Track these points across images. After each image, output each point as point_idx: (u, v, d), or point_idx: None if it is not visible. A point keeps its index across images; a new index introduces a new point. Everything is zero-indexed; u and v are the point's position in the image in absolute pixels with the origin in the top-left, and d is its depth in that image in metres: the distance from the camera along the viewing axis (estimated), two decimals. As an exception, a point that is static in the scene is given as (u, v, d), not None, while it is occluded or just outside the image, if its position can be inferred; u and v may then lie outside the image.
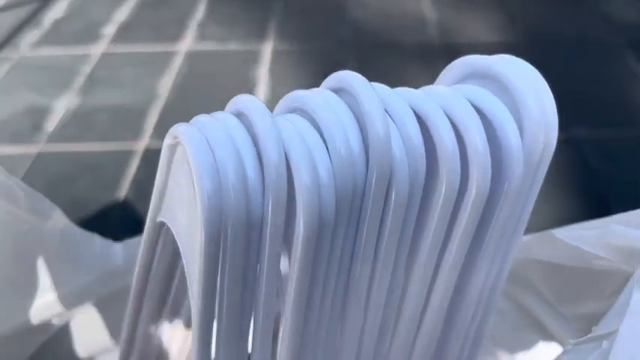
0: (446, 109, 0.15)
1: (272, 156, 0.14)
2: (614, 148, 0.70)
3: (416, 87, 0.17)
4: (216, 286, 0.15)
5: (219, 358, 0.15)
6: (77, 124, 0.78)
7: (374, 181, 0.14)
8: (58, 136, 0.76)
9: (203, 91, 0.83)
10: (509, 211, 0.16)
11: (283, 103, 0.16)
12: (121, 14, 1.03)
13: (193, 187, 0.14)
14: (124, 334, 0.25)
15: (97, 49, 0.93)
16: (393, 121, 0.15)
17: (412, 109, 0.15)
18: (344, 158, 0.14)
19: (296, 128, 0.14)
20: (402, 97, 0.15)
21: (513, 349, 0.28)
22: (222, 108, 0.68)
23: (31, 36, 0.96)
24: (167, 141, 0.16)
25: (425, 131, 0.15)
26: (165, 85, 0.85)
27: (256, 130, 0.14)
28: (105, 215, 0.66)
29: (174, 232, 0.16)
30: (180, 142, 0.14)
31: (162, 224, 0.18)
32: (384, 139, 0.14)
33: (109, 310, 0.33)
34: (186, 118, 0.69)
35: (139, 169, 0.71)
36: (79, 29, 0.98)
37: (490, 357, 0.27)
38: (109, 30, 0.98)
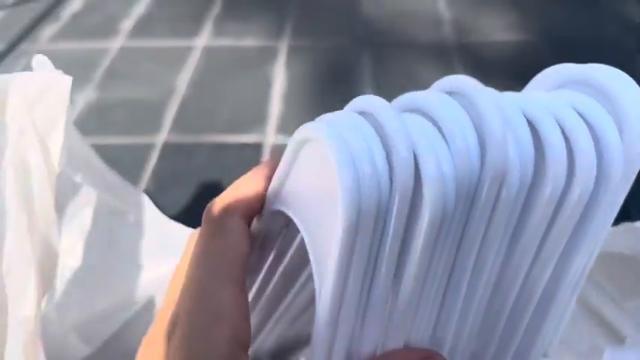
0: (552, 113, 0.16)
1: (402, 150, 0.15)
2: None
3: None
4: (350, 272, 0.16)
5: (337, 336, 0.16)
6: (96, 117, 0.79)
7: (488, 180, 0.15)
8: (78, 129, 0.77)
9: (220, 86, 0.84)
10: (603, 213, 0.17)
11: (398, 103, 0.17)
12: (139, 8, 1.04)
13: (334, 182, 0.15)
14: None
15: (115, 44, 0.94)
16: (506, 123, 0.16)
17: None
18: (464, 156, 0.15)
19: (419, 126, 0.15)
20: (512, 100, 0.16)
21: (574, 342, 0.28)
22: (239, 103, 0.69)
23: (50, 29, 0.97)
24: (296, 137, 0.17)
25: (532, 133, 0.16)
26: (183, 79, 0.86)
27: (384, 127, 0.15)
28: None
29: (297, 222, 0.17)
30: (317, 139, 0.15)
31: (278, 213, 0.19)
32: (501, 141, 0.15)
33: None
34: (203, 112, 0.70)
35: (158, 162, 0.72)
36: (97, 23, 0.99)
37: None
38: (127, 24, 0.99)
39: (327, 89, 0.84)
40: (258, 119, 0.77)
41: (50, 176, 0.25)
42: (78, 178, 0.31)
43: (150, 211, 0.35)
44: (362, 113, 0.16)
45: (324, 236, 0.16)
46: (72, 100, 0.81)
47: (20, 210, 0.23)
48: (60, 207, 0.30)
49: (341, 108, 0.17)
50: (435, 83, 0.17)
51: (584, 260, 0.18)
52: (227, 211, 0.19)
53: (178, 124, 0.78)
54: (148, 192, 0.69)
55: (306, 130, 0.16)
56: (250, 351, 0.17)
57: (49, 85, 0.25)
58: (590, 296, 0.29)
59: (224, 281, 0.17)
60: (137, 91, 0.83)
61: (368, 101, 0.16)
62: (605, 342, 0.28)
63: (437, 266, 0.16)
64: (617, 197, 0.17)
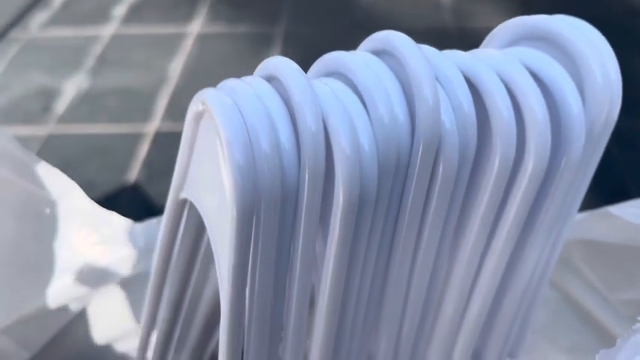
0: (499, 73, 0.13)
1: (309, 122, 0.12)
2: (631, 137, 0.69)
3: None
4: (247, 267, 0.13)
5: (250, 344, 0.14)
6: (87, 105, 0.77)
7: (420, 152, 0.13)
8: (69, 117, 0.75)
9: (214, 74, 0.82)
10: (567, 187, 0.14)
11: (318, 66, 0.14)
12: (131, -5, 1.01)
13: (222, 159, 0.12)
14: (144, 319, 0.24)
15: (107, 30, 0.92)
16: (442, 86, 0.13)
17: (462, 72, 0.14)
18: (387, 126, 0.12)
19: (333, 92, 0.13)
20: (450, 60, 0.14)
21: (557, 337, 0.26)
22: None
23: (41, 16, 0.96)
24: (192, 108, 0.14)
25: (476, 98, 0.13)
26: (176, 67, 0.84)
27: (291, 95, 0.13)
28: (115, 197, 0.65)
29: (200, 211, 0.15)
30: (208, 109, 0.13)
31: (186, 201, 0.17)
32: (432, 106, 0.12)
33: (129, 293, 0.32)
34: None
35: (149, 151, 0.70)
36: (89, 10, 0.97)
37: (530, 347, 0.24)
38: (120, 11, 0.97)
39: (323, 76, 0.82)
40: (252, 107, 0.75)
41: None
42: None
43: (82, 201, 0.32)
44: (271, 79, 0.14)
45: (224, 226, 0.13)
46: (62, 88, 0.80)
47: None
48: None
49: None
50: (364, 42, 0.15)
51: (547, 248, 0.15)
52: None
53: (171, 113, 0.76)
54: (138, 181, 0.68)
55: (199, 99, 0.14)
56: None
57: None
58: (573, 288, 0.26)
59: None
60: (129, 79, 0.82)
61: (276, 64, 0.14)
62: (590, 337, 0.25)
63: (366, 260, 0.14)
64: (584, 171, 0.15)
